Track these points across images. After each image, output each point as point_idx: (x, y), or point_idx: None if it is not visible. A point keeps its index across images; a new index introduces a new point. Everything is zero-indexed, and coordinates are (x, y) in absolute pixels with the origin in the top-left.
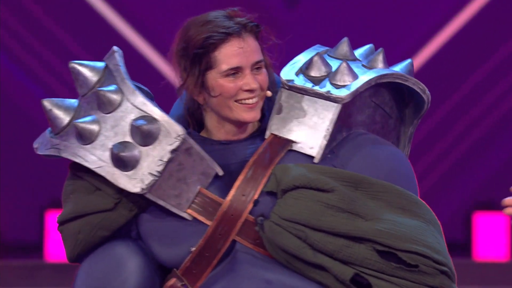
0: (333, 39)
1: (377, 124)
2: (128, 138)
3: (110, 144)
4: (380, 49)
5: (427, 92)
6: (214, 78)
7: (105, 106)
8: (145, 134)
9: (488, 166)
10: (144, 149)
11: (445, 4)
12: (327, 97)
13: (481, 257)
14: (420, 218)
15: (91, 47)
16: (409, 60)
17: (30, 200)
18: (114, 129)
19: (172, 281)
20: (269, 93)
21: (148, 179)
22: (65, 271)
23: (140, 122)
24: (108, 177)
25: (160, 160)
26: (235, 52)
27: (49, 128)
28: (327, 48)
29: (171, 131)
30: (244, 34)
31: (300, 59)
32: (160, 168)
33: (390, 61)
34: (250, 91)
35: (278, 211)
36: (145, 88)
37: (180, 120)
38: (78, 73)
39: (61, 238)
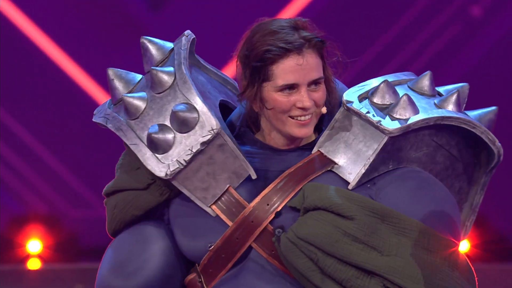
0: (198, 42)
1: (438, 165)
2: (167, 122)
3: (150, 124)
4: (456, 90)
5: (497, 143)
6: (269, 90)
7: (156, 86)
8: (180, 120)
9: None
10: (179, 135)
11: None
12: (376, 127)
13: None
14: (450, 266)
15: None
16: (493, 108)
17: None
18: (159, 110)
19: (193, 275)
20: (324, 110)
21: (174, 166)
22: None
23: (179, 107)
24: (139, 155)
25: (190, 149)
26: (292, 69)
27: (110, 99)
28: (412, 77)
29: (207, 123)
30: (305, 50)
31: (372, 83)
32: (187, 158)
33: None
34: (303, 109)
35: (295, 228)
36: (226, 77)
37: (239, 118)
38: (147, 49)
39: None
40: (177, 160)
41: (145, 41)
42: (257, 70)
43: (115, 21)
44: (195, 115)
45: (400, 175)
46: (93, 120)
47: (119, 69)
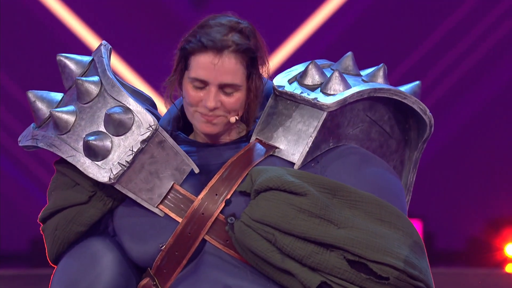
0: None
1: (373, 142)
2: (102, 128)
3: (84, 134)
4: (381, 64)
5: (428, 113)
6: (186, 79)
7: (83, 96)
8: (116, 122)
9: None
10: (116, 139)
11: None
12: (313, 104)
13: None
14: (399, 231)
15: None
16: (417, 82)
17: None
18: (90, 119)
19: (146, 280)
20: (232, 120)
21: (117, 169)
22: None
23: (113, 110)
24: (79, 166)
25: (130, 150)
26: (205, 66)
27: (33, 123)
28: (331, 62)
29: (143, 121)
30: (226, 53)
31: (297, 68)
32: (129, 158)
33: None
34: (206, 108)
35: (249, 211)
36: (143, 93)
37: (168, 123)
38: (64, 66)
39: (44, 238)
40: (118, 162)
41: (62, 58)
42: (179, 57)
43: (157, 19)
44: (130, 115)
45: (342, 151)
46: (20, 145)
47: (38, 91)
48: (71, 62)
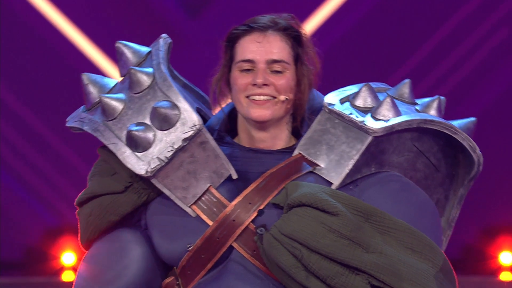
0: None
1: (418, 172)
2: (147, 120)
3: (129, 124)
4: (437, 96)
5: (478, 151)
6: (233, 70)
7: (134, 86)
8: (162, 117)
9: None
10: (159, 133)
11: None
12: (360, 127)
13: None
14: (429, 262)
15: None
16: (472, 119)
17: None
18: (138, 110)
19: (170, 279)
20: (282, 98)
21: (155, 163)
22: None
23: (160, 104)
24: (118, 154)
25: (171, 146)
26: (251, 45)
27: (84, 105)
28: (389, 87)
29: (189, 120)
30: (270, 32)
31: (351, 88)
32: (169, 154)
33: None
34: (256, 85)
35: (279, 225)
36: (199, 90)
37: (217, 123)
38: (122, 53)
39: (78, 222)
40: (157, 157)
41: (120, 46)
42: (226, 50)
43: (153, 28)
44: (176, 112)
45: (382, 178)
46: (66, 125)
47: (93, 74)
48: (129, 50)
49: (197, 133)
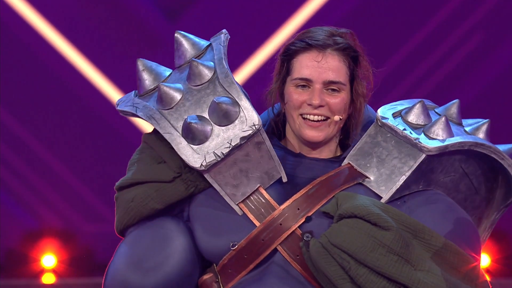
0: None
1: (460, 194)
2: (205, 114)
3: (186, 115)
4: (487, 120)
5: None
6: (288, 84)
7: (194, 79)
8: (222, 112)
9: None
10: (217, 128)
11: None
12: (414, 144)
13: None
14: (472, 283)
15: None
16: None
17: None
18: (196, 102)
19: (209, 275)
20: (336, 118)
21: (211, 158)
22: None
23: (222, 99)
24: (174, 145)
25: (228, 143)
26: (309, 64)
27: (135, 90)
28: (436, 105)
29: (249, 118)
30: (328, 51)
31: (403, 104)
32: (225, 151)
33: None
34: (311, 105)
35: (329, 234)
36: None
37: (264, 124)
38: (180, 43)
39: (116, 206)
40: (214, 152)
41: (179, 36)
42: (282, 63)
43: (131, 31)
44: (237, 109)
45: (430, 196)
46: (117, 108)
47: (149, 61)
48: (188, 42)
49: (256, 133)
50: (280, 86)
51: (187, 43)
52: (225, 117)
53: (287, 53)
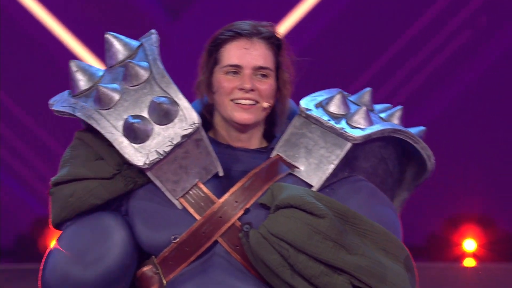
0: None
1: (378, 178)
2: (145, 114)
3: (125, 115)
4: (399, 106)
5: (432, 159)
6: (217, 73)
7: (131, 79)
8: (163, 112)
9: None
10: (157, 127)
11: None
12: (340, 134)
13: None
14: (401, 264)
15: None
16: (422, 128)
17: None
18: (134, 102)
19: (148, 267)
20: (265, 104)
21: (153, 156)
22: None
23: (162, 99)
24: (116, 144)
25: (170, 141)
26: (238, 51)
27: (69, 90)
28: (348, 93)
29: (188, 117)
30: (255, 39)
31: (322, 94)
32: (168, 149)
33: None
34: (243, 89)
35: (268, 225)
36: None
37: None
38: (111, 44)
39: (51, 200)
40: (156, 150)
41: (110, 37)
42: (210, 54)
43: (133, 29)
44: (176, 108)
45: (355, 183)
46: (53, 108)
47: (82, 62)
48: (119, 42)
49: (196, 130)
50: (208, 77)
51: (118, 43)
52: (165, 116)
53: (215, 44)
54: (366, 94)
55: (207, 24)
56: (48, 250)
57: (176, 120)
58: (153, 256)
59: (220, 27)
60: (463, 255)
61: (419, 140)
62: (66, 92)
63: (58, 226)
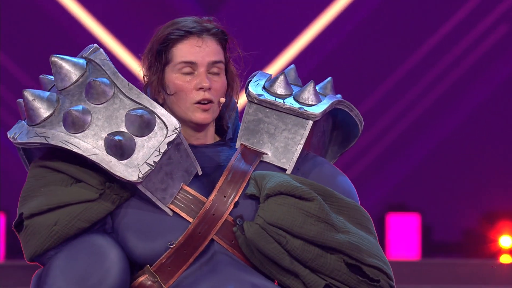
0: (254, 44)
1: (317, 150)
2: (123, 128)
3: (103, 134)
4: (330, 78)
5: (362, 125)
6: (170, 73)
7: (98, 97)
8: (145, 123)
9: (400, 170)
10: (139, 139)
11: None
12: (299, 113)
13: (394, 256)
14: (372, 234)
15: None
16: (329, 78)
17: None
18: (109, 119)
19: (143, 277)
20: (222, 100)
21: (145, 169)
22: None
23: (140, 111)
24: (104, 164)
25: (157, 151)
26: (191, 49)
27: (25, 120)
28: (270, 74)
29: (168, 123)
30: (205, 36)
31: (261, 77)
32: (157, 159)
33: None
34: (202, 88)
35: (263, 214)
36: None
37: None
38: (60, 66)
39: (26, 233)
40: (146, 162)
41: (57, 59)
42: (159, 54)
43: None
44: (154, 116)
45: (315, 160)
46: (18, 141)
47: (34, 90)
48: (67, 63)
49: (178, 135)
50: (160, 77)
51: (67, 64)
52: (147, 127)
53: (165, 43)
54: (291, 71)
55: (244, 19)
56: (34, 275)
57: (156, 129)
58: (147, 265)
59: (255, 22)
60: (499, 251)
61: (353, 108)
62: (23, 122)
63: (38, 258)
